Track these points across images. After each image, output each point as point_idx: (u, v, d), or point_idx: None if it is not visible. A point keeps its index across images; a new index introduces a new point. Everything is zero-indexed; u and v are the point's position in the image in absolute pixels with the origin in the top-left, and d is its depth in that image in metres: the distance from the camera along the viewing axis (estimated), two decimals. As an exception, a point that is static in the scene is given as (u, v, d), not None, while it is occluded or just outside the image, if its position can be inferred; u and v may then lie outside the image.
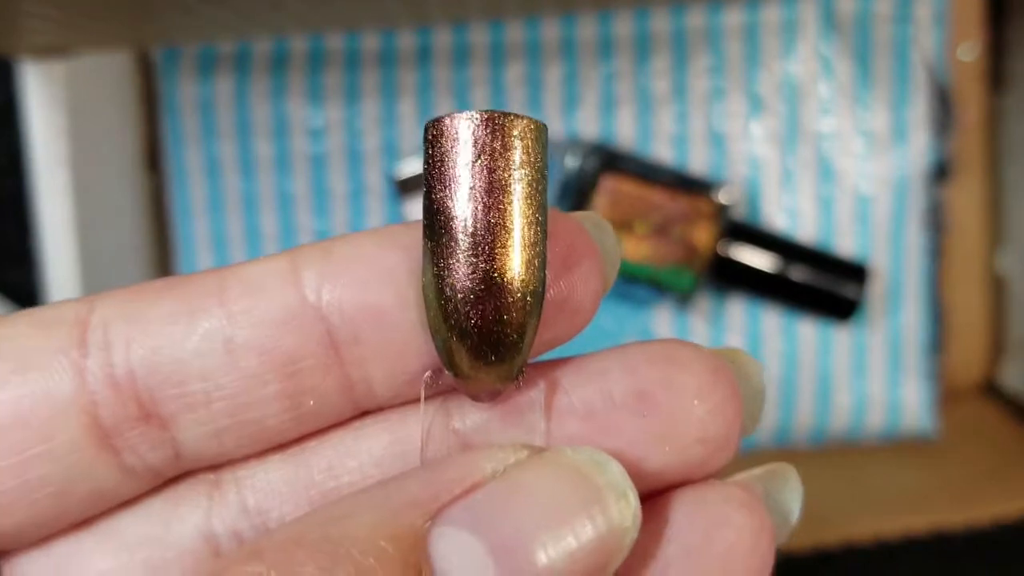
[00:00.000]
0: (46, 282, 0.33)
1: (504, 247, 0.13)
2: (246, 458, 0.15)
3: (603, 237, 0.14)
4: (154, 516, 0.14)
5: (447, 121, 0.13)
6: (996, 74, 0.41)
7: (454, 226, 0.13)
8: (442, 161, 0.13)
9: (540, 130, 0.13)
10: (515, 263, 0.13)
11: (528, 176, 0.13)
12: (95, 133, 0.35)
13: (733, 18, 0.37)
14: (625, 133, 0.38)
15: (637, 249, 0.35)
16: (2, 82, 0.37)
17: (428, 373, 0.14)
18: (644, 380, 0.13)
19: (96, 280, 0.34)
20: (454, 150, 0.13)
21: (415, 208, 0.37)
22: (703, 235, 0.35)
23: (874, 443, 0.40)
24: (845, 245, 0.38)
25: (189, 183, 0.38)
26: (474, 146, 0.13)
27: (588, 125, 0.38)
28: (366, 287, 0.13)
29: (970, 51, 0.41)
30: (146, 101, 0.40)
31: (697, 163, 0.38)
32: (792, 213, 0.38)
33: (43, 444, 0.13)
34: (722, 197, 0.36)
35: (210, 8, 0.29)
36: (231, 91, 0.37)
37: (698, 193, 0.36)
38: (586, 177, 0.35)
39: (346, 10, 0.32)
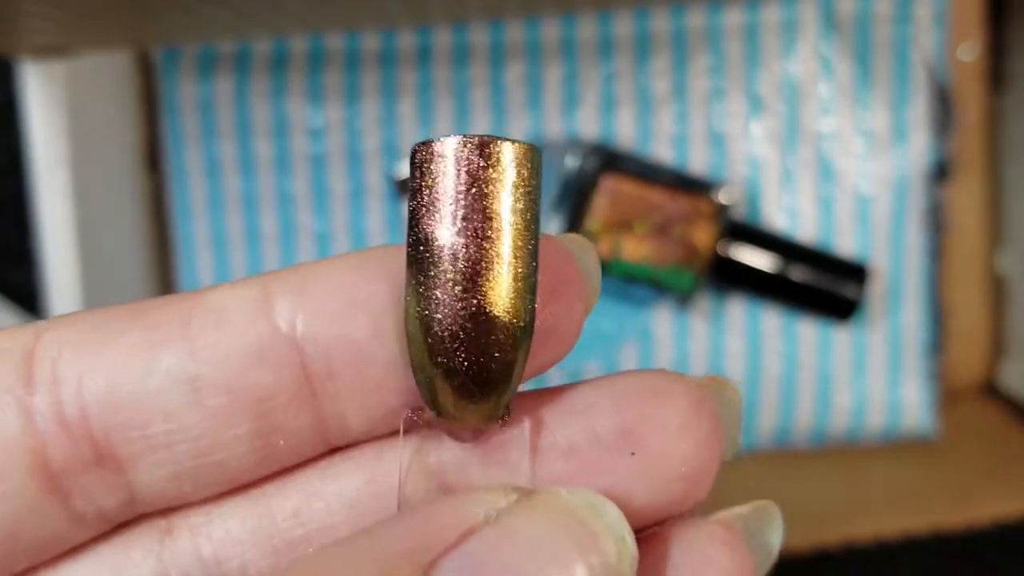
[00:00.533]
0: (46, 282, 0.33)
1: (495, 280, 0.12)
2: (203, 501, 0.13)
3: (587, 260, 0.14)
4: (104, 564, 0.13)
5: (436, 146, 0.12)
6: (996, 74, 0.41)
7: (442, 257, 0.12)
8: (430, 187, 0.12)
9: (534, 155, 0.12)
10: (505, 297, 0.12)
11: (521, 204, 0.12)
12: (95, 133, 0.35)
13: (733, 18, 0.37)
14: (625, 133, 0.38)
15: (637, 249, 0.35)
16: (2, 82, 0.38)
17: (408, 411, 0.13)
18: (629, 417, 0.13)
19: (96, 280, 0.34)
20: (443, 176, 0.12)
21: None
22: (703, 235, 0.35)
23: (874, 443, 0.40)
24: (845, 245, 0.38)
25: (189, 183, 0.38)
26: (465, 173, 0.12)
27: (588, 125, 0.38)
28: (343, 318, 0.13)
29: (970, 51, 0.41)
30: (146, 101, 0.40)
31: (697, 163, 0.38)
32: (792, 213, 0.38)
33: None
34: (722, 197, 0.36)
35: (210, 8, 0.29)
36: (231, 91, 0.37)
37: (698, 193, 0.36)
38: (586, 177, 0.35)
39: (346, 10, 0.32)
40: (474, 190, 0.12)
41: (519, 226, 0.12)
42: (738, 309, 0.39)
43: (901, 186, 0.38)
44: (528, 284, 0.12)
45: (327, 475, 0.13)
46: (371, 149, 0.38)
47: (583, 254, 0.13)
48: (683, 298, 0.38)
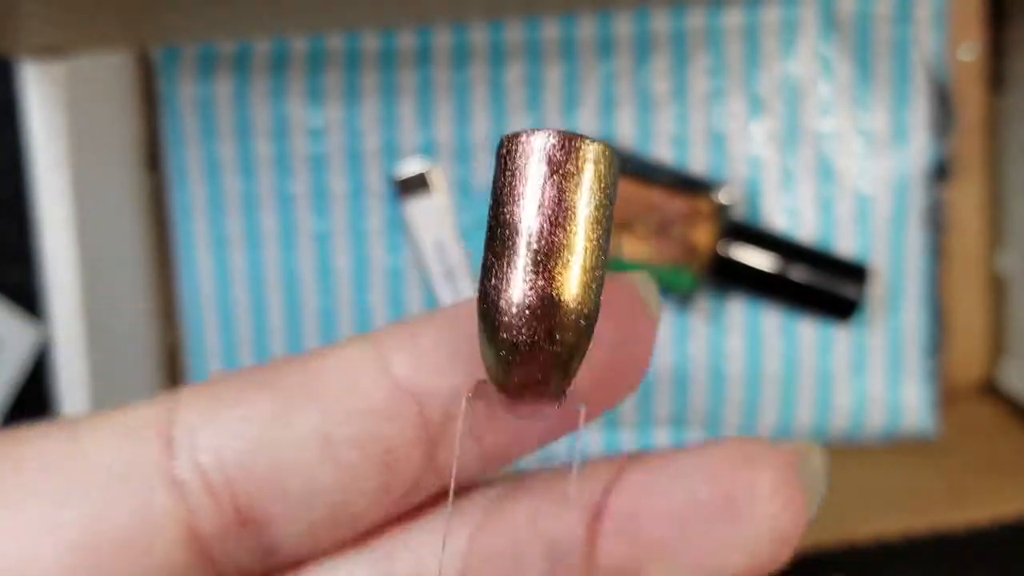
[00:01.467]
0: (46, 282, 0.33)
1: (565, 266, 0.13)
2: (331, 552, 0.14)
3: (652, 300, 0.15)
4: None
5: (523, 138, 0.13)
6: (996, 74, 0.41)
7: (518, 241, 0.13)
8: (514, 176, 0.13)
9: (613, 156, 0.13)
10: (574, 284, 0.13)
11: (596, 200, 0.13)
12: (95, 133, 0.35)
13: (733, 18, 0.37)
14: (625, 133, 0.38)
15: (637, 249, 0.35)
16: (2, 82, 0.37)
17: (476, 383, 0.14)
18: (727, 484, 0.14)
19: (96, 280, 0.34)
20: (527, 167, 0.13)
21: (415, 209, 0.37)
22: (703, 235, 0.35)
23: (874, 443, 0.40)
24: (845, 245, 0.38)
25: (189, 183, 0.38)
26: (547, 165, 0.13)
27: (588, 125, 0.38)
28: (453, 369, 0.14)
29: (970, 51, 0.41)
30: (146, 101, 0.40)
31: (697, 163, 0.38)
32: (792, 213, 0.38)
33: (142, 562, 0.13)
34: (722, 197, 0.36)
35: (210, 8, 0.29)
36: (231, 91, 0.37)
37: (698, 193, 0.36)
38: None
39: (346, 10, 0.32)
40: (554, 181, 0.13)
41: (593, 220, 0.13)
42: (738, 309, 0.39)
43: (901, 186, 0.38)
44: (595, 275, 0.13)
45: (436, 528, 0.14)
46: (371, 149, 0.38)
47: (648, 290, 0.15)
48: (683, 298, 0.38)
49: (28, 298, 0.40)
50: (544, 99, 0.38)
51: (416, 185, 0.37)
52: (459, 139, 0.38)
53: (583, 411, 0.14)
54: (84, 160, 0.33)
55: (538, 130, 0.13)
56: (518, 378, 0.13)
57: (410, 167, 0.38)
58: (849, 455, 0.39)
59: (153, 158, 0.40)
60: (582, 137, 0.13)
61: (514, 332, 0.13)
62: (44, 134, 0.32)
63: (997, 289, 0.42)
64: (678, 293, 0.37)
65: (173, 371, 0.41)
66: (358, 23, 0.36)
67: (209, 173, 0.38)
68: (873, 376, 0.39)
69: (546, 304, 0.13)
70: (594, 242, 0.13)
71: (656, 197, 0.35)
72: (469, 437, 0.14)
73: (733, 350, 0.39)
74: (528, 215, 0.13)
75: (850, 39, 0.38)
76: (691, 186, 0.36)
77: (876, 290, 0.39)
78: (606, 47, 0.38)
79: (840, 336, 0.39)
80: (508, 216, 0.13)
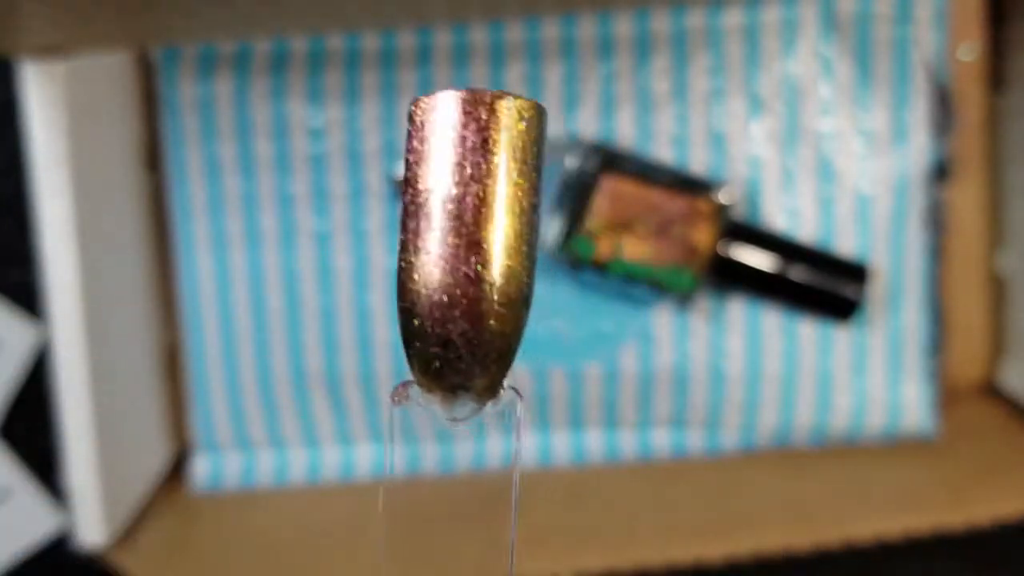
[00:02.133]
0: (46, 282, 0.33)
1: (496, 242, 0.11)
2: None
3: None
4: None
5: (432, 99, 0.11)
6: (996, 74, 0.41)
7: (439, 213, 0.11)
8: (428, 140, 0.11)
9: (536, 115, 0.11)
10: (508, 260, 0.11)
11: (518, 165, 0.11)
12: (95, 133, 0.35)
13: (733, 18, 0.37)
14: (625, 133, 0.38)
15: (637, 249, 0.35)
16: (2, 82, 0.37)
17: (397, 386, 0.12)
18: None
19: (96, 280, 0.34)
20: (442, 130, 0.11)
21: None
22: (703, 235, 0.35)
23: (874, 443, 0.40)
24: (845, 245, 0.38)
25: (189, 183, 0.38)
26: (464, 127, 0.11)
27: (588, 125, 0.38)
28: None
29: (970, 51, 0.41)
30: (146, 101, 0.40)
31: (697, 163, 0.38)
32: (792, 213, 0.38)
33: None
34: (722, 197, 0.36)
35: (210, 8, 0.29)
36: (231, 91, 0.37)
37: (698, 193, 0.36)
38: (586, 177, 0.35)
39: (346, 10, 0.32)
40: (472, 146, 0.11)
41: (523, 186, 0.11)
42: (738, 309, 0.39)
43: (901, 186, 0.38)
44: (531, 249, 0.12)
45: None
46: (371, 149, 0.38)
47: None
48: (683, 298, 0.38)
49: (28, 298, 0.40)
50: (544, 99, 0.38)
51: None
52: (459, 139, 0.38)
53: (519, 402, 0.12)
54: (84, 160, 0.33)
55: (447, 89, 0.11)
56: (439, 375, 0.11)
57: (410, 167, 0.37)
58: (849, 455, 0.39)
59: (153, 158, 0.40)
60: (496, 93, 0.11)
61: (431, 321, 0.11)
62: (44, 134, 0.32)
63: (997, 289, 0.42)
64: (678, 293, 0.37)
65: (173, 371, 0.41)
66: (358, 23, 0.36)
67: (209, 173, 0.38)
68: (873, 376, 0.39)
69: (465, 287, 0.11)
70: (525, 210, 0.11)
71: (656, 197, 0.35)
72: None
73: (733, 350, 0.39)
74: (447, 186, 0.11)
75: (850, 39, 0.38)
76: (691, 186, 0.36)
77: (876, 290, 0.39)
78: (606, 47, 0.38)
79: (840, 336, 0.39)
80: (425, 187, 0.11)
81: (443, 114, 0.11)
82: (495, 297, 0.11)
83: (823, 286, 0.37)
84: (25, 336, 0.40)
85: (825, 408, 0.39)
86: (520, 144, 0.11)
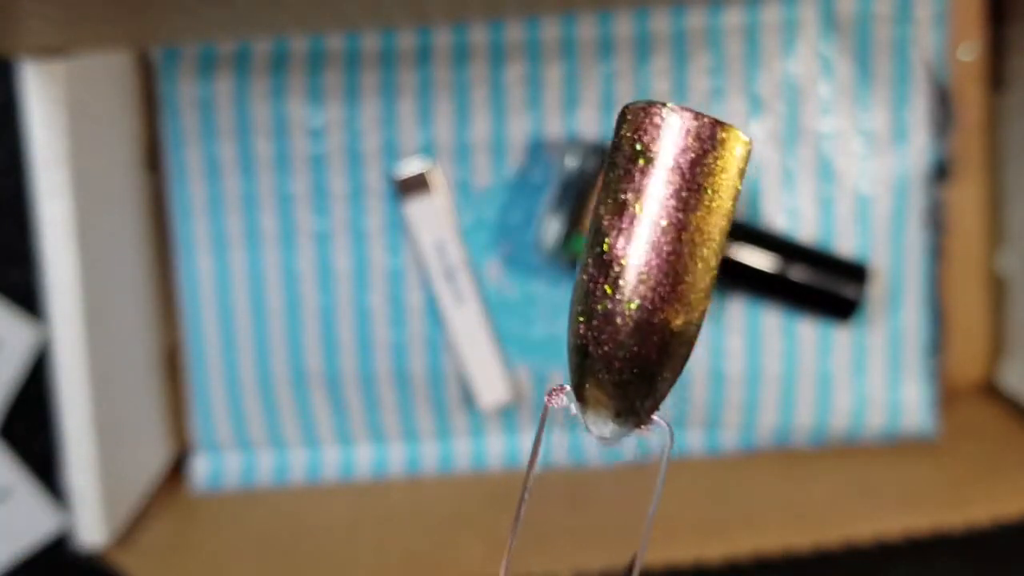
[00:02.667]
0: (46, 282, 0.33)
1: (683, 277, 0.10)
2: None
3: None
4: None
5: (657, 112, 0.10)
6: (996, 74, 0.41)
7: (641, 238, 0.10)
8: (637, 158, 0.10)
9: (749, 150, 0.11)
10: (688, 299, 0.11)
11: (725, 205, 0.10)
12: (95, 133, 0.35)
13: (733, 18, 0.37)
14: (625, 133, 0.38)
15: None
16: (2, 82, 0.37)
17: (553, 389, 0.12)
18: None
19: (96, 280, 0.34)
20: (664, 152, 0.10)
21: (415, 209, 0.37)
22: (703, 235, 0.35)
23: (874, 443, 0.40)
24: (845, 245, 0.38)
25: (189, 183, 0.38)
26: (681, 150, 0.10)
27: (588, 125, 0.38)
28: None
29: (970, 51, 0.41)
30: (146, 101, 0.40)
31: (697, 163, 0.38)
32: (792, 213, 0.38)
33: None
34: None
35: (210, 8, 0.29)
36: (231, 91, 0.37)
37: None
38: (586, 177, 0.35)
39: (346, 10, 0.32)
40: (692, 173, 0.10)
41: (725, 225, 0.11)
42: (738, 309, 0.39)
43: (901, 186, 0.38)
44: (711, 289, 0.11)
45: None
46: (371, 149, 0.38)
47: None
48: (683, 298, 0.38)
49: (28, 298, 0.40)
50: (544, 99, 0.38)
51: (416, 185, 0.37)
52: (459, 139, 0.38)
53: (669, 434, 0.12)
54: (84, 160, 0.33)
55: (676, 107, 0.10)
56: (600, 395, 0.11)
57: (410, 167, 0.38)
58: (849, 455, 0.39)
59: (153, 158, 0.40)
60: (726, 123, 0.11)
61: (607, 345, 0.11)
62: (44, 134, 0.32)
63: (997, 289, 0.42)
64: (678, 293, 0.37)
65: (173, 371, 0.41)
66: (358, 23, 0.36)
67: (209, 173, 0.38)
68: (873, 376, 0.39)
69: (653, 322, 0.10)
70: (715, 252, 0.11)
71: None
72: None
73: (733, 350, 0.39)
74: (657, 206, 0.10)
75: (850, 39, 0.38)
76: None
77: (876, 290, 0.39)
78: (606, 47, 0.38)
79: (840, 336, 0.39)
80: (623, 206, 0.10)
81: (673, 133, 0.10)
82: (676, 332, 0.11)
83: (823, 286, 0.37)
84: (25, 336, 0.40)
85: (825, 408, 0.39)
86: (738, 180, 0.11)
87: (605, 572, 0.33)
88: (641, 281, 0.10)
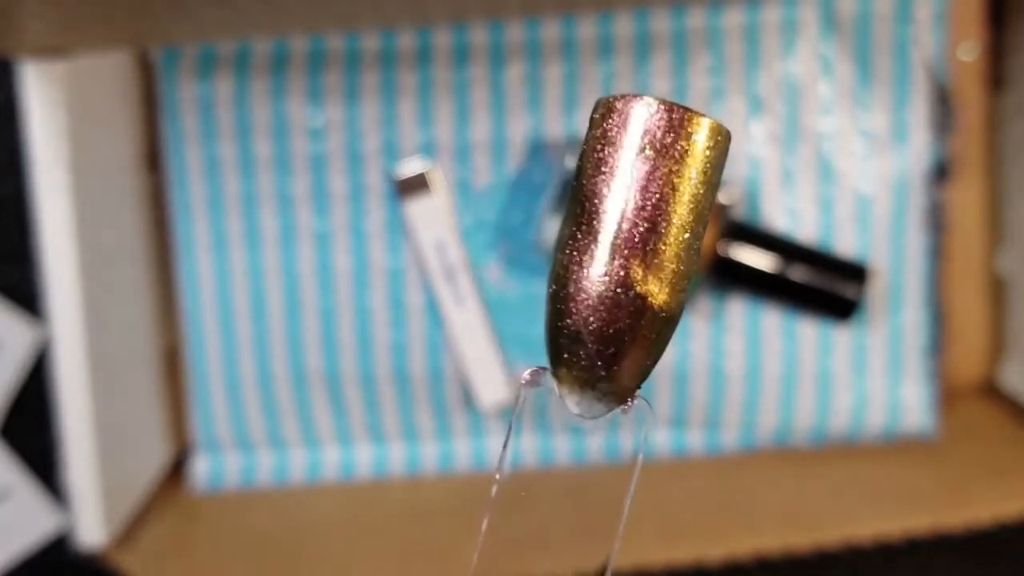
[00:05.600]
0: (46, 282, 0.33)
1: (655, 258, 0.11)
2: None
3: None
4: None
5: (620, 103, 0.11)
6: (996, 74, 0.41)
7: (599, 220, 0.11)
8: (603, 145, 0.11)
9: (727, 139, 0.11)
10: (661, 279, 0.11)
11: (698, 188, 0.11)
12: (95, 133, 0.35)
13: (733, 18, 0.37)
14: (625, 133, 0.38)
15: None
16: (2, 82, 0.37)
17: (529, 371, 0.12)
18: None
19: (96, 280, 0.34)
20: (621, 136, 0.11)
21: (415, 209, 0.37)
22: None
23: (874, 443, 0.40)
24: (845, 245, 0.38)
25: (189, 183, 0.38)
26: (645, 138, 0.11)
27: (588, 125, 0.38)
28: None
29: (970, 51, 0.41)
30: (146, 101, 0.40)
31: (697, 163, 0.38)
32: (792, 213, 0.38)
33: None
34: (722, 197, 0.36)
35: (210, 8, 0.29)
36: (231, 91, 0.37)
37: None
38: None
39: (346, 10, 0.32)
40: (655, 160, 0.11)
41: (690, 210, 0.11)
42: (738, 309, 0.39)
43: (901, 186, 0.38)
44: (687, 272, 0.11)
45: None
46: (371, 149, 0.38)
47: None
48: (683, 298, 0.38)
49: (28, 298, 0.40)
50: (544, 99, 0.38)
51: (416, 185, 0.37)
52: (459, 139, 0.38)
53: (648, 411, 0.12)
54: (84, 160, 0.33)
55: (640, 96, 0.11)
56: (579, 372, 0.11)
57: (410, 167, 0.38)
58: (849, 455, 0.39)
59: (153, 158, 0.40)
60: (690, 111, 0.11)
61: (582, 321, 0.11)
62: (44, 134, 0.32)
63: (997, 289, 0.42)
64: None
65: (173, 371, 0.41)
66: (358, 23, 0.36)
67: (209, 173, 0.38)
68: (873, 376, 0.39)
69: (624, 297, 0.11)
70: (691, 233, 0.11)
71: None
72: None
73: (733, 350, 0.39)
74: (615, 193, 0.11)
75: (850, 39, 0.38)
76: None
77: (876, 290, 0.39)
78: (606, 47, 0.38)
79: (840, 336, 0.39)
80: (592, 190, 0.11)
81: (638, 121, 0.11)
82: (650, 309, 0.11)
83: (823, 286, 0.37)
84: (25, 336, 0.40)
85: (825, 408, 0.39)
86: (708, 167, 0.11)
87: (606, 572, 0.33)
88: (614, 258, 0.11)
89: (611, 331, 0.11)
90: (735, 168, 0.38)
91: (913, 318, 0.39)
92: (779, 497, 0.37)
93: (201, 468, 0.40)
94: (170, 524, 0.37)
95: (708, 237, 0.35)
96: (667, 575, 0.34)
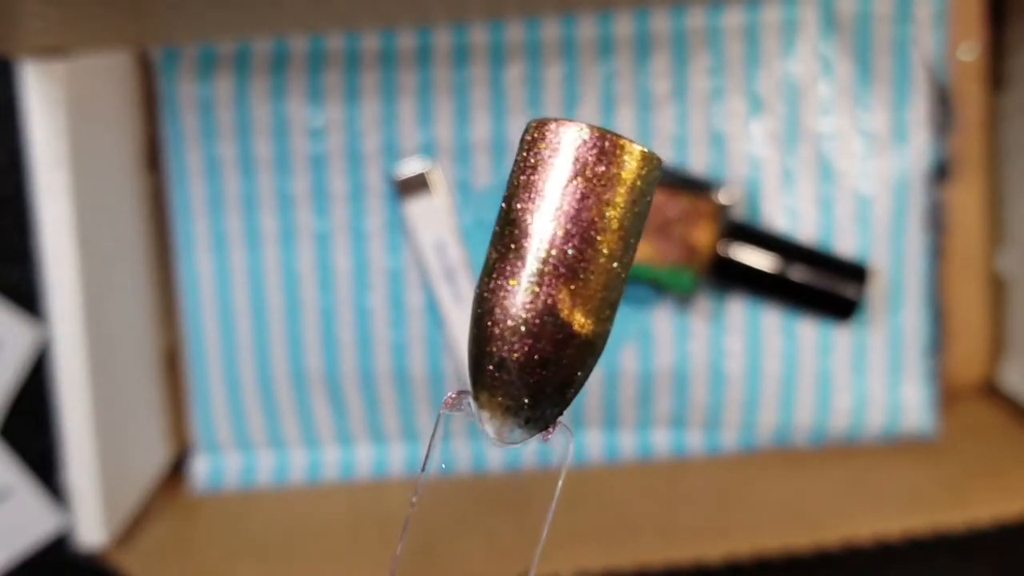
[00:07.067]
0: (46, 282, 0.33)
1: (581, 286, 0.11)
2: None
3: None
4: None
5: (552, 126, 0.11)
6: (996, 74, 0.41)
7: (527, 246, 0.11)
8: (535, 170, 0.11)
9: (656, 166, 0.11)
10: (586, 307, 0.11)
11: (627, 215, 0.11)
12: (95, 133, 0.35)
13: (733, 18, 0.37)
14: (625, 133, 0.38)
15: (637, 249, 0.35)
16: (2, 82, 0.37)
17: (451, 394, 0.12)
18: None
19: (96, 280, 0.34)
20: (553, 161, 0.11)
21: (415, 209, 0.37)
22: (703, 235, 0.35)
23: (874, 443, 0.40)
24: (845, 245, 0.38)
25: (189, 183, 0.38)
26: (575, 164, 0.11)
27: (588, 125, 0.38)
28: None
29: (970, 51, 0.41)
30: (146, 101, 0.40)
31: (697, 163, 0.38)
32: (792, 213, 0.38)
33: None
34: (722, 197, 0.36)
35: (210, 8, 0.29)
36: (231, 91, 0.37)
37: (698, 193, 0.36)
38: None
39: (346, 10, 0.32)
40: (585, 187, 0.11)
41: (617, 237, 0.11)
42: (738, 309, 0.39)
43: (901, 186, 0.38)
44: (614, 300, 0.11)
45: None
46: (371, 149, 0.38)
47: None
48: (683, 298, 0.38)
49: (28, 298, 0.40)
50: (544, 99, 0.38)
51: (416, 185, 0.37)
52: (459, 139, 0.38)
53: (571, 444, 0.12)
54: (84, 160, 0.33)
55: (571, 121, 0.11)
56: (502, 398, 0.11)
57: (410, 167, 0.38)
58: (849, 455, 0.39)
59: (153, 158, 0.40)
60: (621, 138, 0.11)
61: (506, 347, 0.11)
62: (44, 134, 0.32)
63: (997, 289, 0.42)
64: (678, 293, 0.37)
65: (173, 371, 0.41)
66: (358, 23, 0.36)
67: (209, 173, 0.38)
68: (873, 376, 0.39)
69: (548, 324, 0.11)
70: (615, 263, 0.11)
71: (656, 197, 0.35)
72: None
73: (733, 350, 0.39)
74: (543, 219, 0.11)
75: (850, 39, 0.38)
76: (691, 186, 0.36)
77: (876, 290, 0.39)
78: (606, 47, 0.38)
79: (840, 336, 0.39)
80: (520, 214, 0.11)
81: (570, 147, 0.11)
82: (576, 337, 0.11)
83: (823, 286, 0.37)
84: (25, 336, 0.40)
85: (825, 408, 0.39)
86: (638, 195, 0.11)
87: (606, 572, 0.33)
88: (540, 284, 0.11)
89: (536, 358, 0.11)
90: (735, 168, 0.38)
91: (913, 318, 0.39)
92: (779, 497, 0.37)
93: (201, 468, 0.40)
94: (170, 524, 0.37)
95: (708, 237, 0.35)
96: (667, 575, 0.34)
